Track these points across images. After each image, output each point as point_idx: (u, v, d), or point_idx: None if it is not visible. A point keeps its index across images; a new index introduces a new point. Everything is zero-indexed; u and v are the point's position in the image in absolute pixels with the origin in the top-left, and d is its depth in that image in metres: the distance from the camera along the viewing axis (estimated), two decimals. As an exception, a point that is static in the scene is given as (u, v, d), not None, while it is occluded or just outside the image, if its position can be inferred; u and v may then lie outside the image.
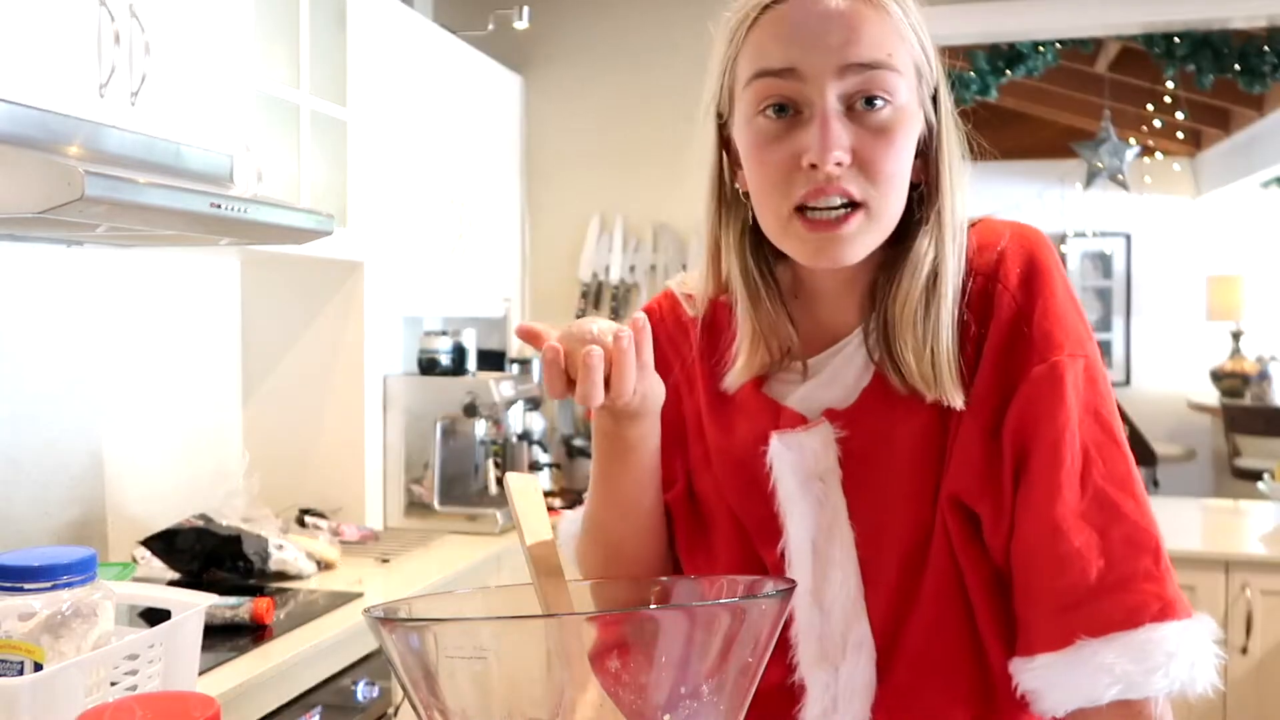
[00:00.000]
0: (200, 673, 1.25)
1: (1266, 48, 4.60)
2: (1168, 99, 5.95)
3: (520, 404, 3.23)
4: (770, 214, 0.90)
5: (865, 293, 0.94)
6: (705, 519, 1.03)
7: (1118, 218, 7.34)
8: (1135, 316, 7.45)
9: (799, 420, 0.95)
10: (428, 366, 3.07)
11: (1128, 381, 7.37)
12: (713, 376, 1.01)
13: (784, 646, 0.94)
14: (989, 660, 0.91)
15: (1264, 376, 6.76)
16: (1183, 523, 3.16)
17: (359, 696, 2.09)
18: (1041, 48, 4.81)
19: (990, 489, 0.89)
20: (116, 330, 2.38)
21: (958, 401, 0.89)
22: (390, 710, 2.20)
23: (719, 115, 0.96)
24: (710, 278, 1.01)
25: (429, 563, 2.62)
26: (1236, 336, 7.00)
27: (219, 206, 1.75)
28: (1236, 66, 4.64)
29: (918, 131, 0.90)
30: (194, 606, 1.09)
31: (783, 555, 0.95)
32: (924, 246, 0.90)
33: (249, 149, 2.18)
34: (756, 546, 0.98)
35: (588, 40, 3.68)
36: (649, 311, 1.08)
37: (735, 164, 0.96)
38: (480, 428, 3.09)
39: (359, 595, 2.25)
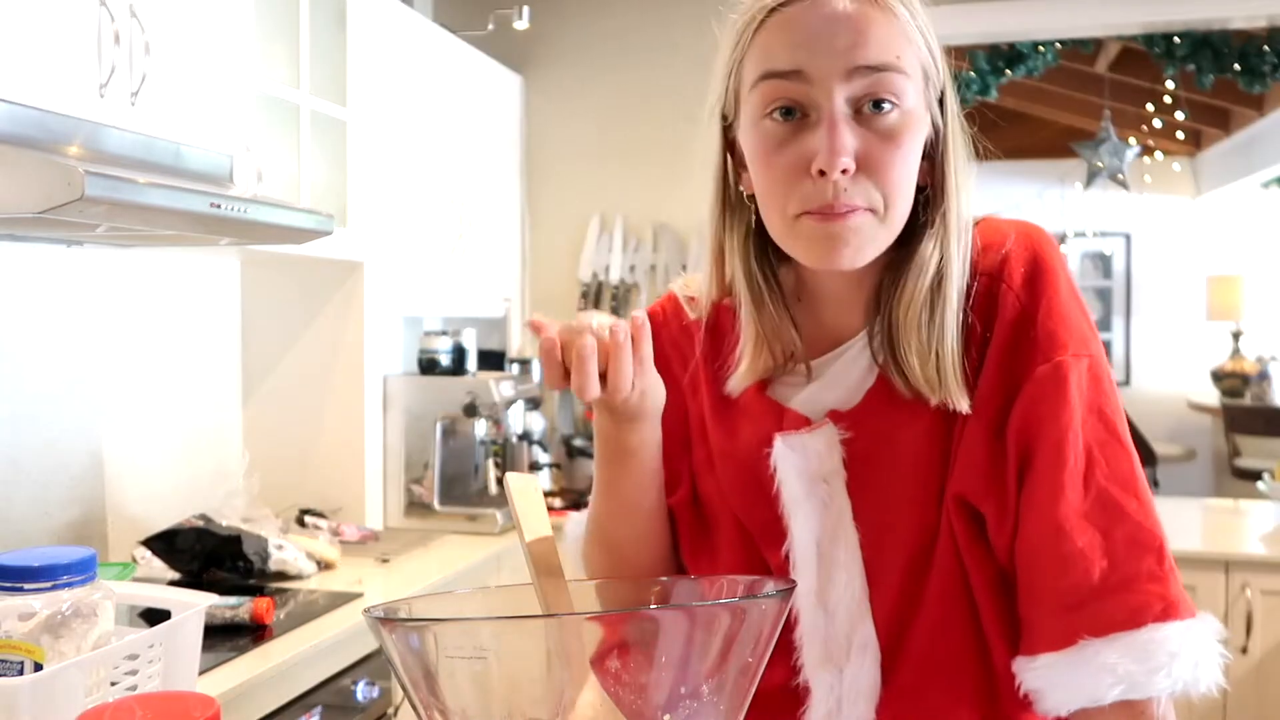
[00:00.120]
0: (200, 673, 1.25)
1: (1266, 48, 4.60)
2: (1168, 99, 5.94)
3: (520, 404, 3.23)
4: (777, 216, 0.89)
5: (870, 295, 0.94)
6: (709, 522, 1.03)
7: (1118, 218, 7.34)
8: (1135, 316, 7.45)
9: (803, 422, 0.95)
10: (428, 366, 3.07)
11: (1128, 381, 7.37)
12: (716, 380, 1.01)
13: (788, 648, 0.94)
14: (993, 660, 0.91)
15: (1264, 376, 6.76)
16: (1183, 523, 3.16)
17: (359, 696, 2.09)
18: (1041, 48, 4.81)
19: (995, 489, 0.89)
20: (116, 330, 2.38)
21: (963, 404, 0.88)
22: (390, 710, 2.20)
23: (724, 118, 0.95)
24: (714, 281, 1.01)
25: (429, 563, 2.62)
26: (1236, 336, 7.00)
27: (219, 206, 1.75)
28: (1236, 66, 4.64)
29: (925, 135, 0.89)
30: (194, 606, 1.09)
31: (787, 557, 0.95)
32: (929, 249, 0.90)
33: (249, 149, 2.18)
34: (761, 549, 0.98)
35: (588, 40, 3.68)
36: (652, 315, 1.07)
37: (740, 167, 0.95)
38: (480, 428, 3.10)
39: (359, 595, 2.25)
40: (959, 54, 4.98)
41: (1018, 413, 0.88)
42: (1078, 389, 0.87)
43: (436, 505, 2.99)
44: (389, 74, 2.84)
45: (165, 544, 2.28)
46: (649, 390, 0.91)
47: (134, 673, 1.01)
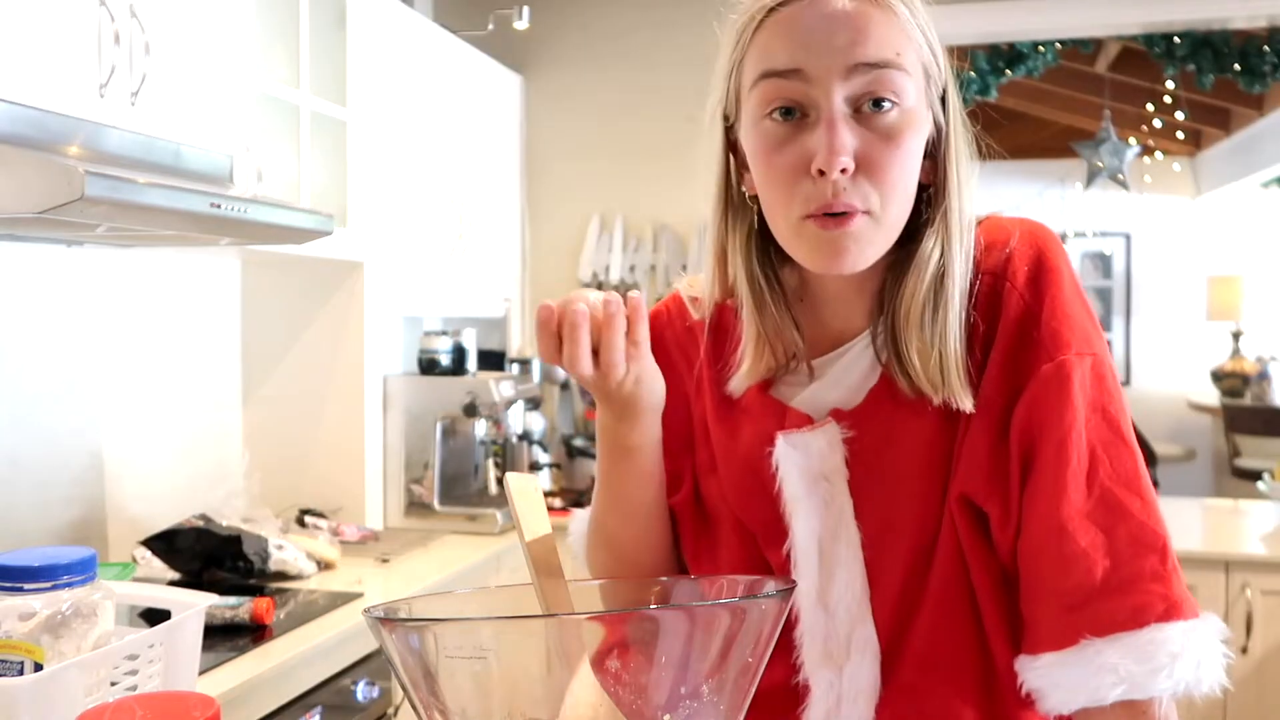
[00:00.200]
0: (200, 673, 1.25)
1: (1266, 48, 4.60)
2: (1168, 99, 5.95)
3: (520, 404, 3.23)
4: (780, 218, 0.89)
5: (873, 295, 0.94)
6: (711, 523, 1.03)
7: (1118, 218, 7.34)
8: (1135, 316, 7.45)
9: (805, 421, 0.95)
10: (428, 366, 3.07)
11: (1128, 381, 7.37)
12: (719, 380, 1.01)
13: (788, 647, 0.94)
14: (995, 659, 0.91)
15: (1264, 376, 6.76)
16: (1183, 523, 3.16)
17: (359, 696, 2.09)
18: (1041, 48, 4.81)
19: (998, 489, 0.89)
20: (116, 330, 2.38)
21: (966, 404, 0.88)
22: (390, 710, 2.20)
23: (725, 118, 0.95)
24: (716, 281, 1.01)
25: (429, 563, 2.62)
26: (1236, 336, 7.00)
27: (219, 206, 1.75)
28: (1236, 66, 4.64)
29: (926, 133, 0.89)
30: (194, 606, 1.09)
31: (788, 556, 0.95)
32: (930, 248, 0.90)
33: (249, 149, 2.18)
34: (762, 548, 0.98)
35: (588, 40, 3.68)
36: (656, 315, 1.08)
37: (742, 167, 0.95)
38: (480, 428, 3.10)
39: (359, 595, 2.25)
40: (959, 54, 4.98)
41: (1021, 412, 0.88)
42: (1081, 388, 0.87)
43: (436, 505, 2.99)
44: (389, 74, 2.84)
45: (165, 544, 2.28)
46: (645, 379, 0.91)
47: (134, 673, 1.01)
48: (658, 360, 1.01)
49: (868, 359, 0.94)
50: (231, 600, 1.98)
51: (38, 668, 0.94)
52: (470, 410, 2.99)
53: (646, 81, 3.57)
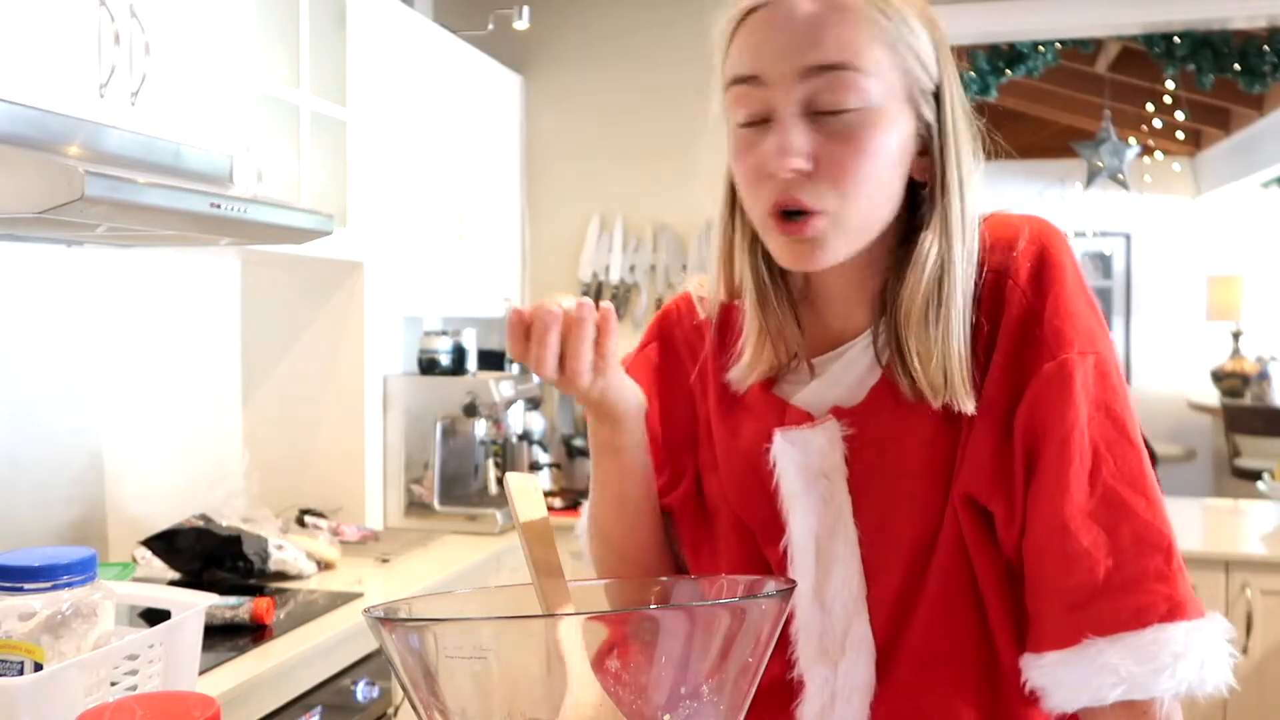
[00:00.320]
0: (200, 673, 1.25)
1: (1266, 48, 4.60)
2: (1168, 99, 5.95)
3: (520, 404, 3.23)
4: (754, 219, 0.91)
5: (874, 295, 0.94)
6: (711, 520, 1.04)
7: (1118, 218, 7.34)
8: (1135, 316, 7.45)
9: (805, 418, 0.95)
10: (428, 366, 3.07)
11: (1128, 381, 7.36)
12: (723, 378, 1.02)
13: (784, 642, 0.94)
14: (999, 657, 0.91)
15: (1264, 376, 6.76)
16: (1183, 523, 3.16)
17: (359, 696, 2.09)
18: (1041, 48, 4.81)
19: (1002, 488, 0.88)
20: (116, 330, 2.38)
21: (968, 406, 0.88)
22: (390, 710, 2.20)
23: (728, 120, 0.96)
24: (722, 280, 1.01)
25: (429, 563, 2.62)
26: (1236, 336, 7.00)
27: (219, 206, 1.75)
28: (1236, 66, 4.64)
29: (899, 132, 0.87)
30: (194, 606, 1.09)
31: (785, 553, 0.95)
32: (928, 247, 0.89)
33: (249, 149, 2.18)
34: (760, 546, 0.99)
35: (588, 40, 3.68)
36: (665, 314, 1.09)
37: None
38: (480, 428, 3.10)
39: (359, 595, 2.25)
40: (959, 54, 4.98)
41: (1024, 411, 0.88)
42: (1083, 387, 0.86)
43: (436, 505, 2.99)
44: (389, 74, 2.84)
45: (165, 544, 2.28)
46: (613, 390, 0.91)
47: (134, 673, 1.01)
48: (666, 358, 1.04)
49: (867, 358, 0.94)
50: (231, 600, 1.98)
51: (38, 668, 0.94)
52: (470, 410, 2.99)
53: (646, 81, 3.57)
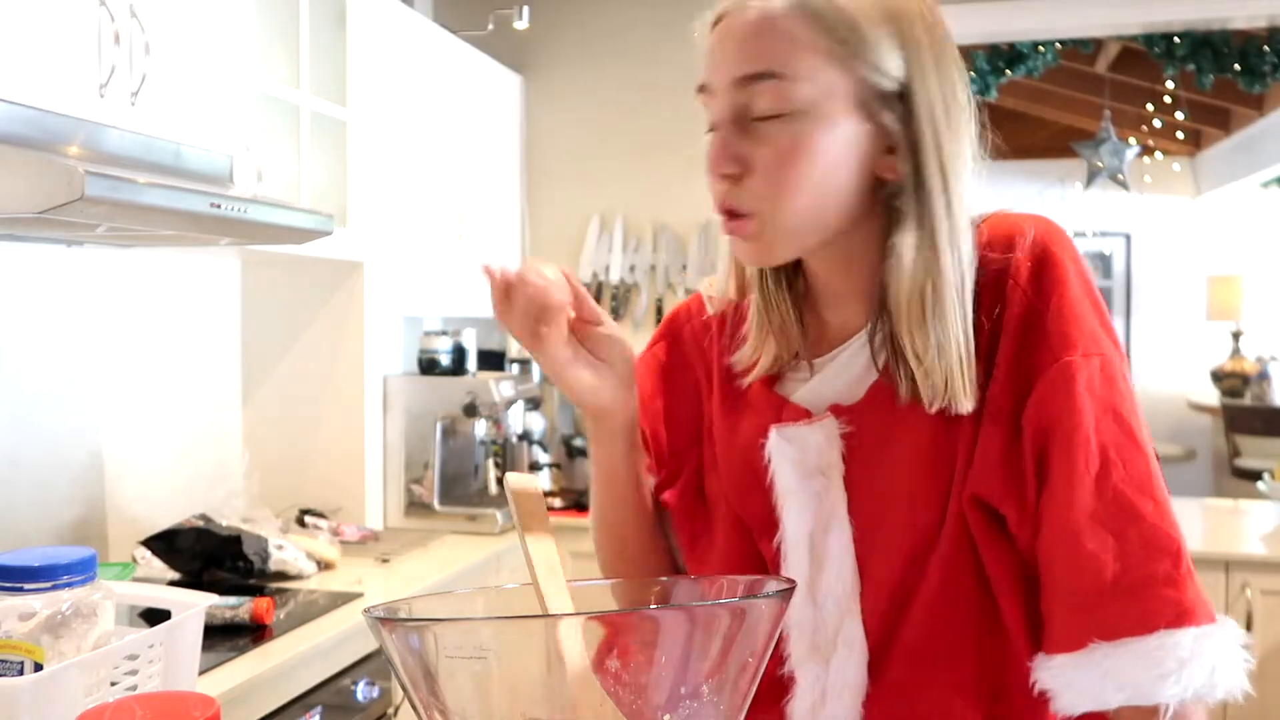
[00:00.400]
0: (200, 673, 1.25)
1: (1266, 48, 4.60)
2: (1168, 99, 5.95)
3: (520, 404, 3.23)
4: None
5: (868, 294, 0.94)
6: (710, 516, 1.04)
7: (1118, 218, 7.34)
8: (1135, 316, 7.45)
9: (803, 414, 0.96)
10: (428, 366, 3.07)
11: (1128, 381, 7.37)
12: (728, 375, 1.03)
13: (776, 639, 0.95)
14: (1014, 658, 0.90)
15: (1264, 376, 6.76)
16: (1183, 523, 3.13)
17: (359, 696, 2.09)
18: (1041, 48, 4.81)
19: (1013, 490, 0.88)
20: (116, 330, 2.38)
21: (966, 407, 0.88)
22: (390, 710, 2.20)
23: None
24: (732, 278, 1.02)
25: (429, 563, 2.62)
26: (1236, 336, 7.00)
27: (219, 206, 1.75)
28: (1236, 66, 4.64)
29: (840, 133, 0.87)
30: (194, 606, 1.09)
31: (779, 549, 0.96)
32: (901, 247, 0.89)
33: (249, 149, 2.18)
34: (757, 541, 0.99)
35: (588, 40, 3.68)
36: (676, 314, 1.11)
37: None
38: (480, 428, 3.10)
39: (359, 595, 2.25)
40: (959, 54, 4.98)
41: (1030, 414, 0.87)
42: (1087, 390, 0.86)
43: (436, 505, 2.99)
44: (389, 74, 2.84)
45: (165, 544, 2.28)
46: (580, 381, 0.94)
47: (134, 673, 1.01)
48: (672, 356, 1.07)
49: (864, 357, 0.94)
50: (231, 600, 1.98)
51: (38, 668, 0.94)
52: (470, 410, 2.99)
53: (647, 81, 3.57)
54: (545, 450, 3.40)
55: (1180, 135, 7.09)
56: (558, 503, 3.28)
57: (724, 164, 0.88)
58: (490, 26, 3.47)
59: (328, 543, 2.52)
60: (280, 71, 2.46)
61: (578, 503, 3.25)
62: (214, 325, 2.74)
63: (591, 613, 0.72)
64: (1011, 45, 4.79)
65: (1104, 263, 7.51)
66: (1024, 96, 6.28)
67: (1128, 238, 7.48)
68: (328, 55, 2.60)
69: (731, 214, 0.90)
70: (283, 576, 2.34)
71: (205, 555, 2.28)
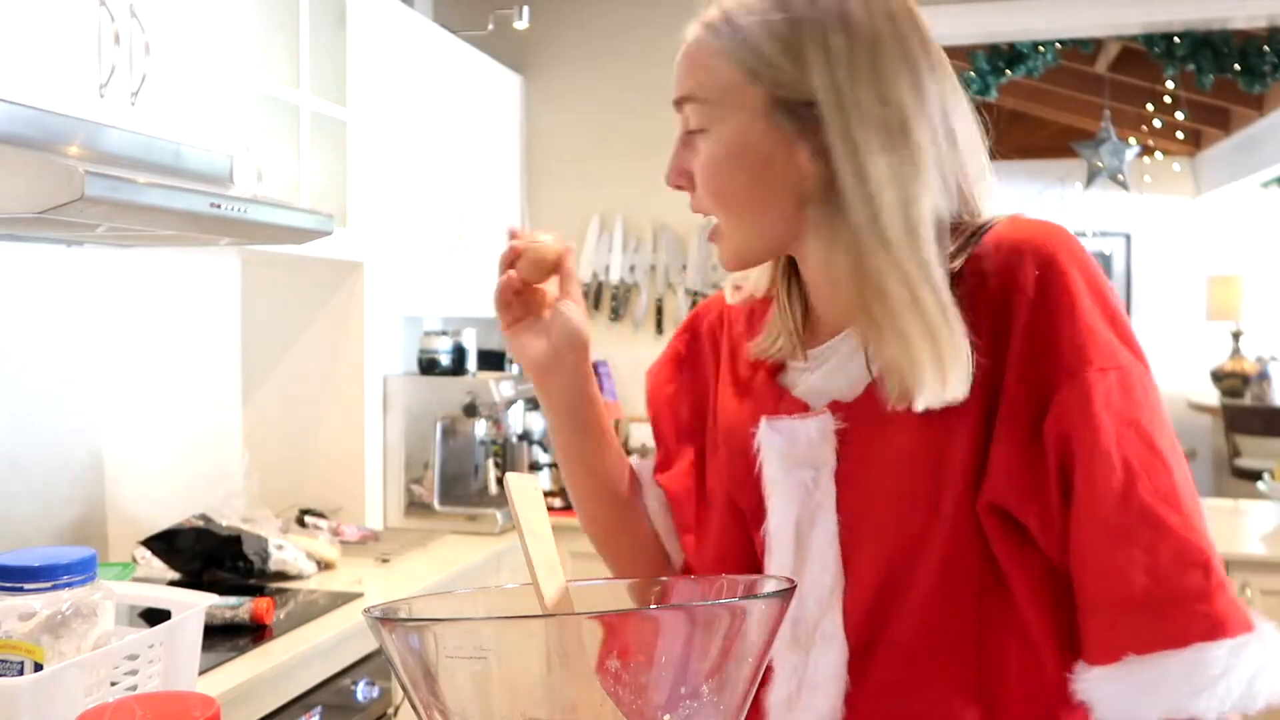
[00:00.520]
0: (200, 673, 1.25)
1: (1266, 48, 4.60)
2: (1168, 99, 5.95)
3: (520, 404, 3.23)
4: None
5: (847, 294, 0.94)
6: (709, 501, 1.07)
7: (1118, 218, 7.34)
8: (1135, 316, 7.45)
9: (801, 407, 0.97)
10: (428, 366, 3.07)
11: (1128, 381, 7.37)
12: (735, 361, 1.06)
13: None
14: (1014, 662, 0.89)
15: (1264, 376, 6.76)
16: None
17: (359, 696, 2.09)
18: (1041, 48, 4.81)
19: (1035, 501, 0.87)
20: (116, 330, 2.38)
21: (924, 402, 0.87)
22: (390, 710, 2.20)
23: None
24: (765, 271, 1.05)
25: (429, 563, 2.62)
26: (1236, 336, 7.00)
27: (219, 206, 1.75)
28: (1236, 66, 4.64)
29: (756, 144, 0.90)
30: (194, 606, 1.09)
31: (764, 537, 0.98)
32: (815, 254, 0.93)
33: (249, 149, 2.18)
34: (750, 528, 1.01)
35: (588, 40, 3.68)
36: (699, 308, 1.15)
37: None
38: (480, 428, 3.10)
39: (359, 595, 2.25)
40: (959, 54, 4.99)
41: (1050, 430, 0.86)
42: (1105, 405, 0.85)
43: (436, 505, 2.99)
44: (389, 74, 2.84)
45: (165, 544, 2.28)
46: (522, 344, 1.03)
47: (134, 673, 1.01)
48: (690, 348, 1.12)
49: (862, 356, 0.94)
50: (231, 600, 1.98)
51: (38, 668, 0.94)
52: (470, 410, 2.99)
53: (647, 81, 3.57)
54: (545, 450, 3.40)
55: (1180, 135, 7.10)
56: (558, 503, 3.28)
57: (672, 176, 0.97)
58: (490, 26, 3.48)
59: (328, 543, 2.52)
60: (280, 71, 2.46)
61: (578, 503, 3.24)
62: (214, 325, 2.74)
63: (591, 613, 0.72)
64: (1011, 45, 4.79)
65: (1104, 263, 7.51)
66: (1024, 96, 6.28)
67: (1128, 238, 7.48)
68: (328, 55, 2.60)
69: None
70: (283, 576, 2.34)
71: (205, 555, 2.28)
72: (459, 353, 3.10)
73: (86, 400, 2.30)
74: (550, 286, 1.04)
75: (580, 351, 1.04)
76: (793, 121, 0.90)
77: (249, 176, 2.18)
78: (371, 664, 2.13)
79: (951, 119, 0.92)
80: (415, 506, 3.00)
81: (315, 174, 2.57)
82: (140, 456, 2.46)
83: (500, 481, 3.08)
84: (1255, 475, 4.58)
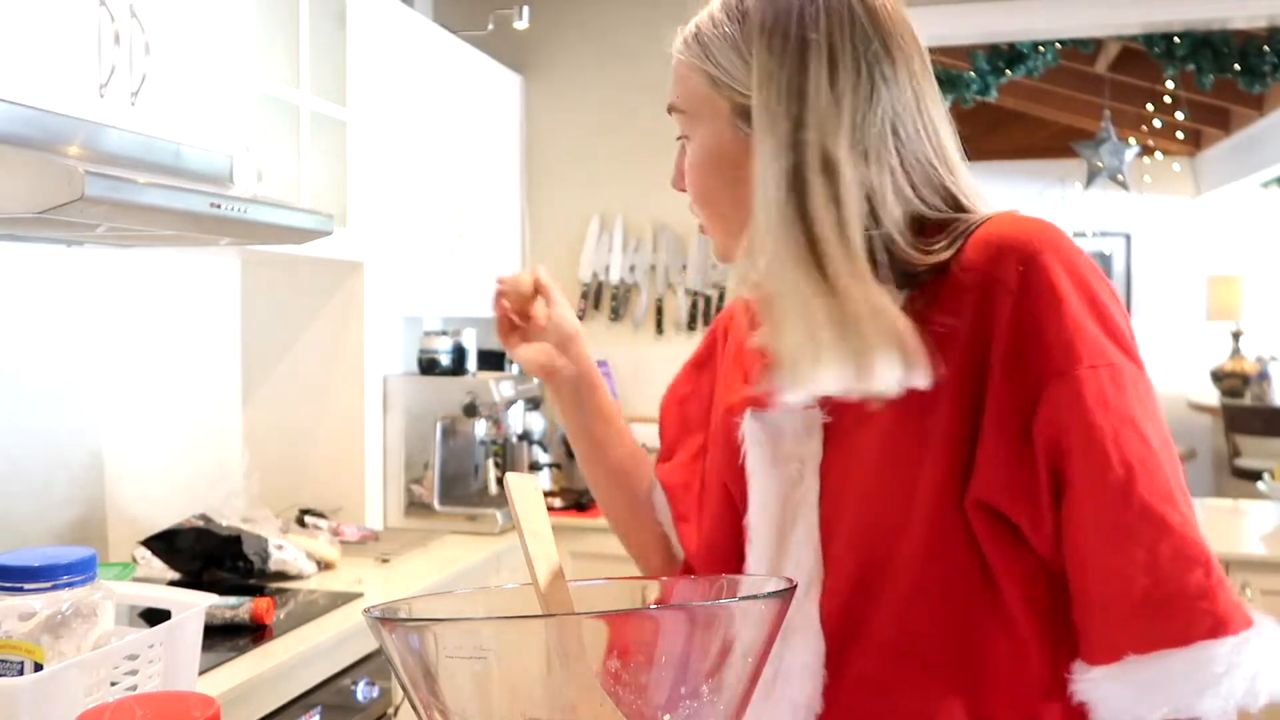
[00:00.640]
0: (200, 673, 1.25)
1: (1266, 48, 4.60)
2: (1168, 99, 5.95)
3: (520, 404, 3.23)
4: None
5: None
6: (706, 486, 1.10)
7: (1118, 218, 7.34)
8: (1135, 316, 7.39)
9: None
10: (428, 366, 3.07)
11: (1128, 381, 7.36)
12: (740, 353, 1.08)
13: None
14: (1004, 659, 0.89)
15: (1264, 376, 6.76)
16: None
17: (359, 696, 2.09)
18: (1041, 48, 4.81)
19: (1026, 499, 0.87)
20: (116, 330, 2.38)
21: (819, 391, 0.89)
22: (390, 710, 2.20)
23: None
24: None
25: (429, 563, 2.62)
26: (1236, 336, 7.00)
27: (219, 206, 1.75)
28: (1236, 66, 4.64)
29: (727, 154, 0.96)
30: (194, 606, 1.09)
31: (747, 528, 1.01)
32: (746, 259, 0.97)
33: (249, 149, 2.18)
34: (741, 515, 1.03)
35: (588, 40, 3.68)
36: (724, 310, 1.19)
37: None
38: (480, 428, 3.10)
39: (359, 595, 2.25)
40: (959, 54, 4.99)
41: (1041, 429, 0.86)
42: (1098, 403, 0.84)
43: (436, 505, 2.99)
44: (389, 74, 2.84)
45: (165, 544, 2.28)
46: (525, 353, 1.14)
47: (134, 673, 1.02)
48: (707, 345, 1.17)
49: None
50: (231, 600, 1.98)
51: (38, 668, 0.94)
52: (470, 410, 2.99)
53: (647, 81, 3.57)
54: (545, 450, 3.40)
55: (1180, 135, 7.09)
56: (558, 503, 3.28)
57: (675, 180, 1.03)
58: (490, 26, 3.47)
59: (328, 543, 2.52)
60: (280, 71, 2.46)
61: (578, 503, 3.25)
62: (214, 325, 2.74)
63: (591, 613, 0.72)
64: (1011, 45, 4.79)
65: (1104, 263, 7.50)
66: (1024, 96, 6.28)
67: (1128, 238, 7.48)
68: (328, 55, 2.60)
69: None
70: (283, 576, 2.34)
71: (205, 555, 2.28)
72: (459, 353, 3.10)
73: (86, 400, 2.30)
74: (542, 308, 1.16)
75: (574, 345, 1.16)
76: (748, 124, 0.95)
77: (249, 176, 2.18)
78: (371, 664, 2.13)
79: (924, 118, 0.93)
80: (415, 506, 3.00)
81: (315, 174, 2.57)
82: (140, 456, 2.46)
83: (500, 481, 3.08)
84: (1255, 475, 4.58)
